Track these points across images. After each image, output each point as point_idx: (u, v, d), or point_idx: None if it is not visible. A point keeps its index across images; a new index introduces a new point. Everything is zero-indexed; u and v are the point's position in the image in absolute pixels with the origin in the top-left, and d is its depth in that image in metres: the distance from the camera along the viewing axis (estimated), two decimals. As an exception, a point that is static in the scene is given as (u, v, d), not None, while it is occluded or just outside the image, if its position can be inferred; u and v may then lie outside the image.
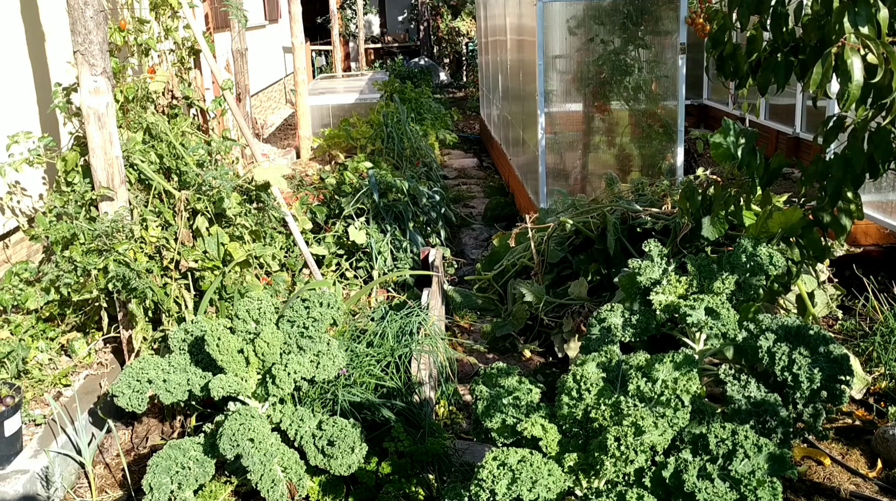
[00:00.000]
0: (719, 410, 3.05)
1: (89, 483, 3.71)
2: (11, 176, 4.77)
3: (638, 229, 4.96)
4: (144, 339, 4.19)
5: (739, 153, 3.73)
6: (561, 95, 6.76)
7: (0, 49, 4.92)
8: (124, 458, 3.81)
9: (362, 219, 6.07)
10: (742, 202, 4.13)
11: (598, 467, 2.36)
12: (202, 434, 3.36)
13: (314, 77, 16.40)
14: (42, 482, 3.47)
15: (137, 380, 3.33)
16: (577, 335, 4.71)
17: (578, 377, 2.61)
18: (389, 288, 5.68)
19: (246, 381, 3.33)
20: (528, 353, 4.92)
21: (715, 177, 5.01)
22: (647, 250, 3.65)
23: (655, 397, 2.50)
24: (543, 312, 4.95)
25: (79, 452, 3.74)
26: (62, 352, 4.43)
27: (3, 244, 4.94)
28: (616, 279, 4.05)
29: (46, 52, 5.34)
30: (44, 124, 5.27)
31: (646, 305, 3.43)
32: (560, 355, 4.76)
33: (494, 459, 2.36)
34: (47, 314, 4.50)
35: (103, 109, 4.11)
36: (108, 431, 4.01)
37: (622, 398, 2.49)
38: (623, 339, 3.31)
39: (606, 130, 6.90)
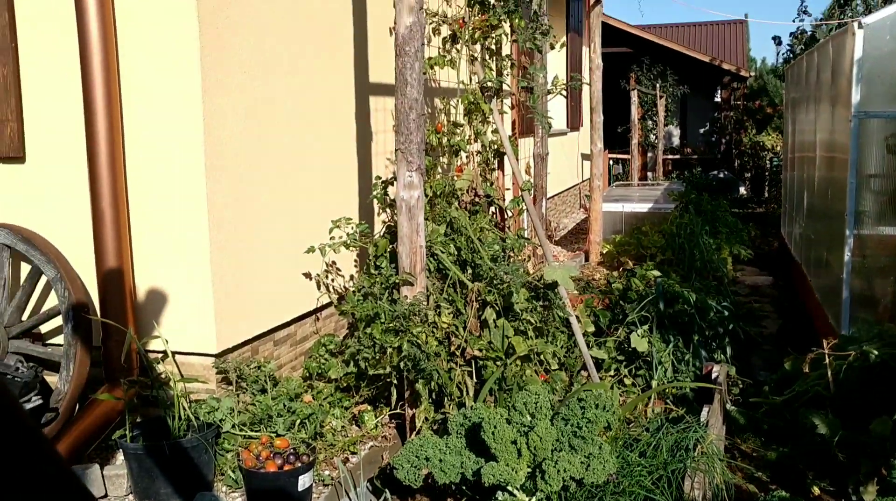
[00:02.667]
0: None
1: (362, 548, 3.93)
2: (329, 256, 5.33)
3: (957, 369, 4.44)
4: (426, 419, 4.42)
5: None
6: (874, 217, 6.29)
7: (336, 148, 5.59)
8: (395, 530, 4.00)
9: (645, 327, 6.00)
10: None
11: None
12: (469, 518, 3.46)
13: (609, 184, 16.64)
14: (322, 539, 3.73)
15: (416, 456, 3.52)
16: (874, 479, 4.27)
17: (872, 521, 2.38)
18: (667, 400, 5.52)
19: (516, 472, 3.39)
20: (816, 490, 4.52)
21: None
22: (966, 391, 3.26)
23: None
24: (837, 447, 4.55)
25: (357, 517, 3.98)
26: (353, 421, 4.79)
27: (315, 317, 5.49)
28: (926, 421, 3.65)
29: (371, 149, 5.96)
30: (361, 213, 5.86)
31: (961, 453, 3.05)
32: (854, 497, 4.32)
33: None
34: (345, 384, 4.91)
35: (414, 202, 4.50)
36: (384, 501, 4.24)
37: (924, 551, 2.23)
38: (930, 488, 2.96)
39: (925, 257, 6.30)
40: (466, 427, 3.68)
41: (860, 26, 5.71)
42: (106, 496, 4.09)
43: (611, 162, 18.99)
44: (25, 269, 4.72)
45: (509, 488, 3.44)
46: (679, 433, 4.10)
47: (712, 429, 4.55)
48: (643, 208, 11.70)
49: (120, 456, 4.21)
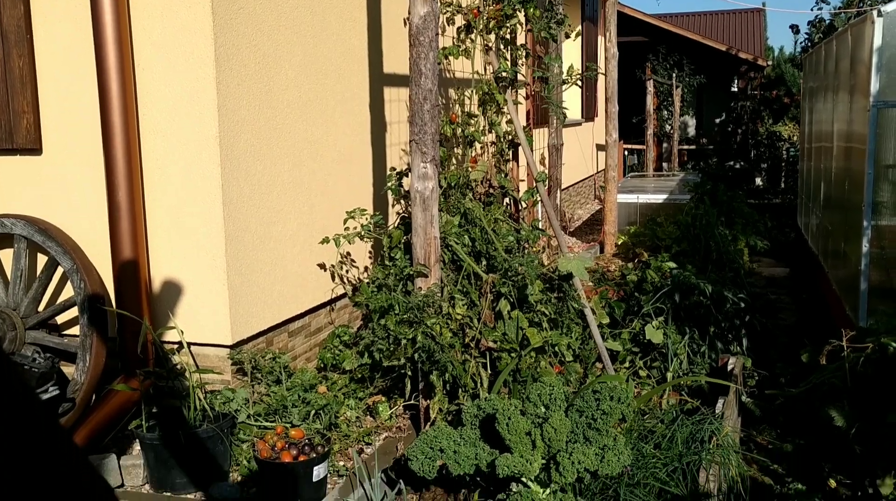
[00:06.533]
0: None
1: (377, 538, 3.93)
2: (344, 247, 5.33)
3: (977, 361, 4.40)
4: (440, 410, 4.42)
5: None
6: (891, 208, 6.24)
7: (351, 138, 5.58)
8: (410, 521, 4.00)
9: (660, 318, 5.97)
10: None
11: None
12: (484, 510, 3.45)
13: (624, 175, 16.58)
14: (337, 529, 3.74)
15: (430, 448, 3.52)
16: (892, 471, 4.23)
17: (890, 515, 2.36)
18: (683, 392, 5.50)
19: (531, 463, 3.38)
20: (832, 483, 4.50)
21: None
22: None
23: None
24: (854, 440, 4.52)
25: (371, 507, 3.99)
26: (367, 413, 4.80)
27: (330, 308, 5.49)
28: (945, 414, 3.61)
29: (386, 140, 5.95)
30: (375, 204, 5.85)
31: (981, 446, 3.02)
32: (871, 490, 4.29)
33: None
34: (359, 375, 4.91)
35: (428, 193, 4.49)
36: (399, 492, 4.24)
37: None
38: (949, 481, 2.93)
39: (945, 248, 6.23)
40: (481, 419, 3.68)
41: (879, 14, 5.65)
42: (122, 485, 4.12)
43: (626, 153, 18.90)
44: (42, 260, 4.75)
45: (523, 479, 3.43)
46: (694, 425, 4.08)
47: (728, 421, 4.53)
48: (658, 198, 11.64)
49: (136, 446, 4.24)
